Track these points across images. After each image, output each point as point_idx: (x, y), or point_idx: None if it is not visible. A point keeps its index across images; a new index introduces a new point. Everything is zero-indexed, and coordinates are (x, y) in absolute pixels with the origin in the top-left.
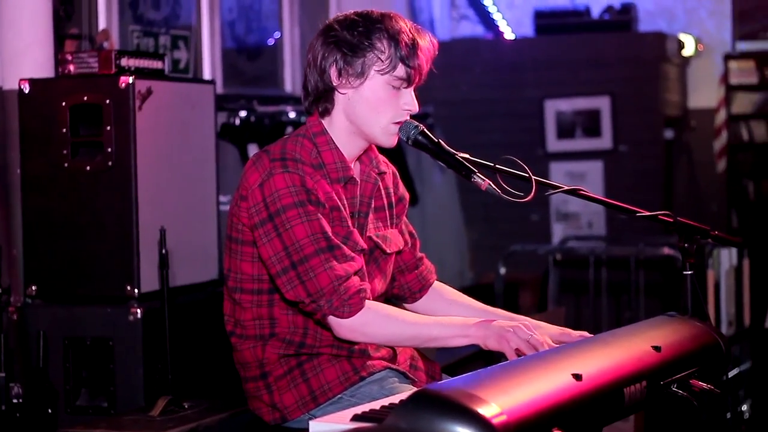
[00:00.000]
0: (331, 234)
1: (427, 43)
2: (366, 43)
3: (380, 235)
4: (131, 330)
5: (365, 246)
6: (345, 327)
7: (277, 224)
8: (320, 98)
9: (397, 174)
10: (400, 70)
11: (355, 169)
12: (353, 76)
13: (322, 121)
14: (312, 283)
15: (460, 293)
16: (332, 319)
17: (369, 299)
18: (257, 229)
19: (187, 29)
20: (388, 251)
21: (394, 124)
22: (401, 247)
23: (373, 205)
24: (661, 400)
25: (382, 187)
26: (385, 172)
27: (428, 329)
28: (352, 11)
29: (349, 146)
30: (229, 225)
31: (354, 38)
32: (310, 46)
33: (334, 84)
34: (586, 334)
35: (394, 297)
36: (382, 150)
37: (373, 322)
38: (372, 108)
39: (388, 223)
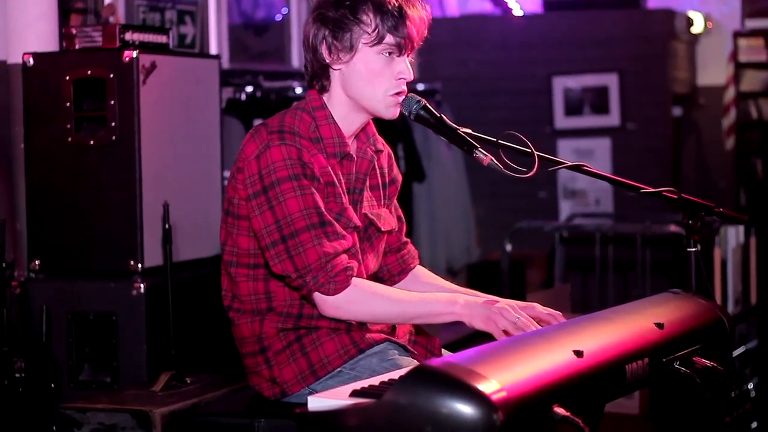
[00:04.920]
0: (324, 210)
1: (417, 12)
2: (351, 17)
3: (375, 213)
4: (134, 305)
5: (359, 223)
6: (329, 304)
7: (270, 197)
8: (316, 76)
9: (392, 155)
10: (389, 40)
11: (352, 146)
12: (343, 51)
13: (322, 96)
14: (300, 258)
15: (438, 276)
16: (317, 296)
17: (355, 277)
18: (251, 200)
19: (193, 4)
20: (383, 229)
21: (393, 96)
22: (394, 227)
23: (368, 183)
24: (664, 377)
25: (377, 166)
26: (381, 151)
27: (413, 307)
28: None
29: (347, 121)
30: (226, 199)
31: (339, 13)
32: (304, 25)
33: (327, 61)
34: (557, 314)
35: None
36: (387, 126)
37: (358, 300)
38: (366, 81)
39: (382, 202)
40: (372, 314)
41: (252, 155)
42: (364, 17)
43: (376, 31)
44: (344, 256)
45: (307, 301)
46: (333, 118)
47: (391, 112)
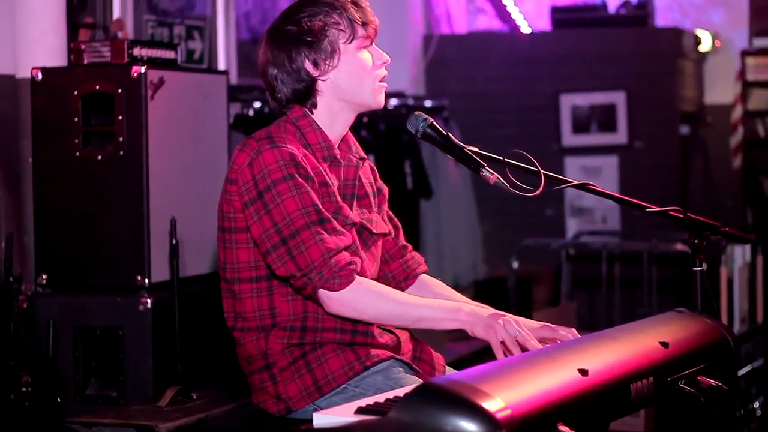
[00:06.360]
0: (321, 207)
1: None
2: (320, 24)
3: (365, 218)
4: (141, 320)
5: (357, 219)
6: (335, 300)
7: (266, 200)
8: (304, 97)
9: (375, 167)
10: (361, 32)
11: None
12: (327, 58)
13: (304, 108)
14: (303, 257)
15: (450, 288)
16: (322, 293)
17: (359, 273)
18: (248, 208)
19: (201, 19)
20: (375, 231)
21: (380, 82)
22: (386, 231)
23: (356, 192)
24: (669, 396)
25: (363, 177)
26: (364, 158)
27: (418, 310)
28: (280, 13)
29: (333, 128)
30: (220, 216)
31: (307, 26)
32: (266, 63)
33: (315, 75)
34: (572, 330)
35: None
36: (395, 144)
37: (363, 298)
38: (356, 78)
39: (373, 209)
40: (376, 313)
41: (244, 163)
42: (330, 19)
43: (348, 27)
44: (346, 252)
45: (313, 301)
46: (317, 124)
47: (380, 100)
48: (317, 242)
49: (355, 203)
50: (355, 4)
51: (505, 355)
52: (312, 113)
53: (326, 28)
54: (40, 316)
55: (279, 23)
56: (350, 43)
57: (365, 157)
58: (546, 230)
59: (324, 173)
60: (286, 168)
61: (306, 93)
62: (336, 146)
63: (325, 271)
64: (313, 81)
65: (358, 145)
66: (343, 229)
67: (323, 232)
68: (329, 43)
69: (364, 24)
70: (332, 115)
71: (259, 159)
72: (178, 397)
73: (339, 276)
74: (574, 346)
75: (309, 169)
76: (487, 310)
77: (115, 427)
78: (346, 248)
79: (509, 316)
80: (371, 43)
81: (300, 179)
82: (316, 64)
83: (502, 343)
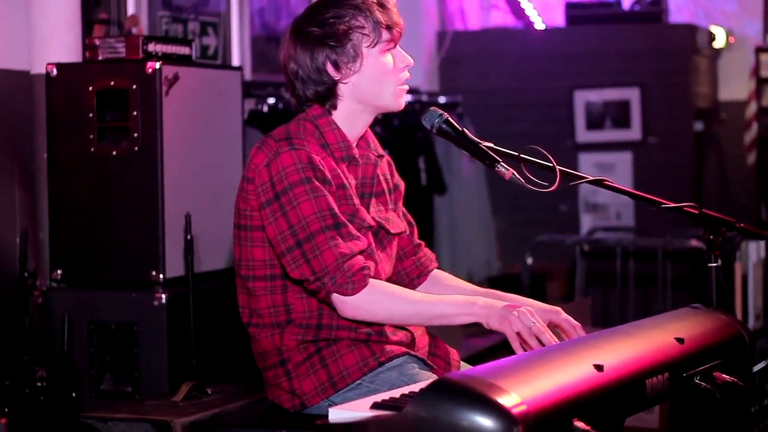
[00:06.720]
0: (337, 211)
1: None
2: (344, 27)
3: (383, 217)
4: (156, 315)
5: (373, 223)
6: (348, 305)
7: (283, 203)
8: (324, 98)
9: (392, 162)
10: (385, 35)
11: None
12: (350, 62)
13: (324, 107)
14: (317, 261)
15: (460, 280)
16: (336, 297)
17: (372, 277)
18: (264, 208)
19: (216, 16)
20: (392, 231)
21: (401, 85)
22: (403, 230)
23: (374, 189)
24: (684, 391)
25: (379, 173)
26: (382, 156)
27: (432, 307)
28: (305, 9)
29: (352, 127)
30: (236, 214)
31: (331, 28)
32: (288, 59)
33: (336, 78)
34: (578, 325)
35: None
36: (409, 139)
37: (376, 300)
38: (377, 81)
39: (389, 207)
40: (390, 314)
41: (262, 164)
42: (355, 22)
43: (373, 31)
44: (360, 257)
45: (326, 304)
46: (336, 124)
47: (400, 103)
48: (331, 247)
49: (372, 200)
50: (381, 5)
51: (522, 346)
52: (331, 113)
53: (350, 31)
54: (55, 311)
55: (303, 21)
56: (374, 47)
57: (383, 154)
58: (560, 226)
59: (342, 175)
60: (303, 171)
61: (326, 95)
62: (354, 145)
63: (339, 276)
64: (334, 84)
65: (376, 142)
66: (358, 233)
67: (338, 237)
68: (352, 47)
69: (389, 27)
70: (352, 116)
71: (277, 160)
72: (193, 393)
73: (352, 281)
74: (589, 341)
75: (327, 173)
76: (501, 301)
77: (130, 422)
78: (361, 252)
79: (525, 306)
80: (395, 46)
81: (317, 183)
82: (337, 67)
83: (518, 334)
